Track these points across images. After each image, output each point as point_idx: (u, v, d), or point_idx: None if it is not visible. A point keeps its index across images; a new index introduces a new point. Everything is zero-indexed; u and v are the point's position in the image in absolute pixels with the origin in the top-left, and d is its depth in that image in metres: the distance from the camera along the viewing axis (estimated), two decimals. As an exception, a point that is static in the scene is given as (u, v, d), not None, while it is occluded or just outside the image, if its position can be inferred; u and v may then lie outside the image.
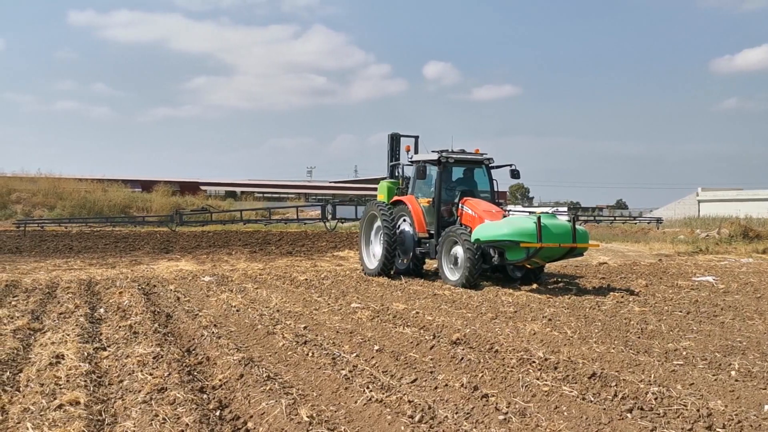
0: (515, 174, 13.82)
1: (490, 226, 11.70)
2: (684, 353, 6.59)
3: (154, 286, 12.11)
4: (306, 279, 13.15)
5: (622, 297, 10.73)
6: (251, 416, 4.81)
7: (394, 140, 15.19)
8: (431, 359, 6.44)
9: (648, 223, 38.87)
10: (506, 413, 4.78)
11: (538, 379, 5.59)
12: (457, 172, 13.85)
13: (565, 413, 4.85)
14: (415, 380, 5.76)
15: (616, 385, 5.36)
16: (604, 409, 4.84)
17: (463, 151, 13.73)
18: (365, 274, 14.22)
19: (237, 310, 9.24)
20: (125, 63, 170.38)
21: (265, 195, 62.95)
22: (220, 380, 5.70)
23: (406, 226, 13.81)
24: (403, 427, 4.44)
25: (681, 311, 9.46)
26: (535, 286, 11.95)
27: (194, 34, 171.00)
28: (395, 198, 14.30)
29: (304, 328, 8.00)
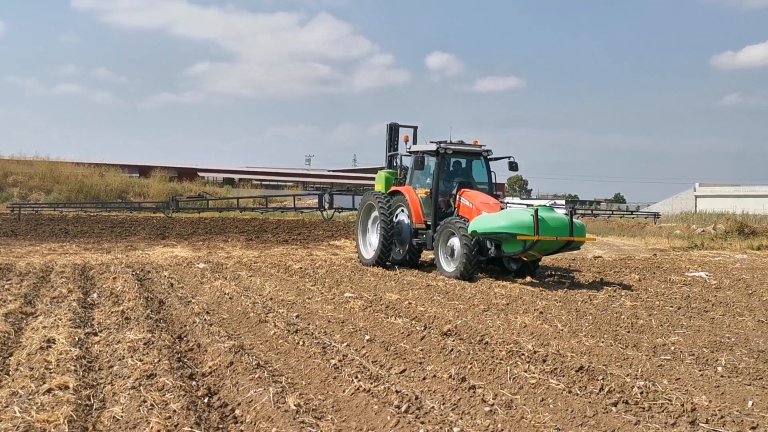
0: (513, 166, 13.82)
1: (488, 218, 11.71)
2: (672, 348, 6.63)
3: (149, 272, 12.13)
4: (301, 268, 13.17)
5: (615, 291, 10.77)
6: (239, 404, 4.83)
7: (393, 130, 15.13)
8: (421, 350, 6.48)
9: (645, 217, 38.82)
10: (492, 405, 4.82)
11: (526, 371, 5.63)
12: (455, 164, 13.84)
13: (551, 406, 4.88)
14: (404, 371, 5.80)
15: (602, 378, 5.39)
16: (590, 402, 4.88)
17: (461, 143, 13.70)
18: (361, 264, 14.23)
19: (230, 298, 9.26)
20: (128, 48, 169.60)
21: (263, 183, 62.84)
22: (209, 367, 5.73)
23: (403, 217, 13.81)
24: (389, 417, 4.47)
25: (672, 306, 9.50)
26: (529, 279, 11.98)
27: (199, 20, 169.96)
28: (393, 188, 14.28)
29: (297, 316, 8.03)
